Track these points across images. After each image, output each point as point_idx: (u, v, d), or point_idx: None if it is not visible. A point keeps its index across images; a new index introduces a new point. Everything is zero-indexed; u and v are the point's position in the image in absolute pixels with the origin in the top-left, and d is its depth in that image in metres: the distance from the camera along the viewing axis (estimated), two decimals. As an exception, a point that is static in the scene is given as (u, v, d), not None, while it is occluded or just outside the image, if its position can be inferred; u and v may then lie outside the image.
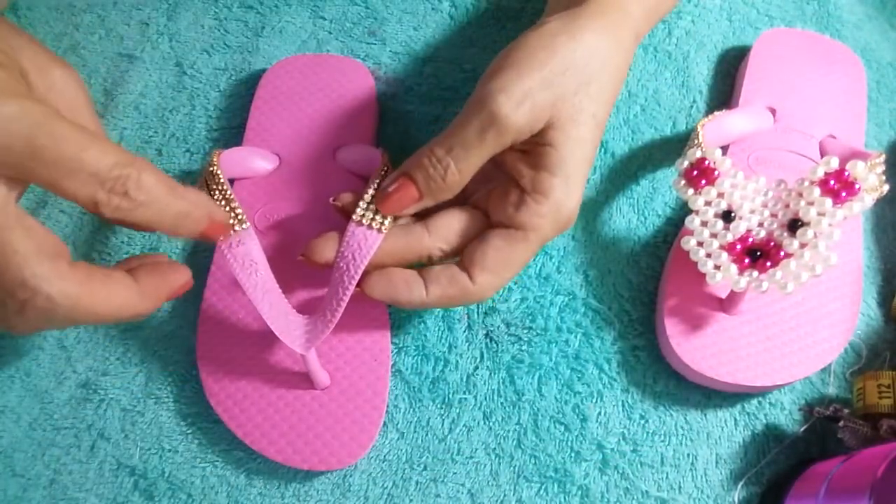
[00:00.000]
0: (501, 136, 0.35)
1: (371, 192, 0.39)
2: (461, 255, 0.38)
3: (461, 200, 0.40)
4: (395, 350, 0.42)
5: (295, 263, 0.41)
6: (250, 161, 0.45)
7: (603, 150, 0.48)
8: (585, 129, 0.37)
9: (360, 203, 0.38)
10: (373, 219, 0.38)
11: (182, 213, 0.34)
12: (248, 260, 0.38)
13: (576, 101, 0.36)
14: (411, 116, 0.49)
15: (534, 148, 0.37)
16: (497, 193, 0.38)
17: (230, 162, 0.44)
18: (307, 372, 0.39)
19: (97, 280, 0.32)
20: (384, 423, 0.40)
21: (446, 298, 0.37)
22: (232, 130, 0.49)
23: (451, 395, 0.41)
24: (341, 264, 0.37)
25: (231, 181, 0.45)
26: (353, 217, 0.38)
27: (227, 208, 0.39)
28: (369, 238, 0.37)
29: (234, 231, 0.38)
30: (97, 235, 0.46)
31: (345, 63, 0.49)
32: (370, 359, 0.40)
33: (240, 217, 0.39)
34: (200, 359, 0.41)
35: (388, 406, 0.41)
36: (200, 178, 0.41)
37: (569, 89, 0.36)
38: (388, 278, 0.38)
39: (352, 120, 0.47)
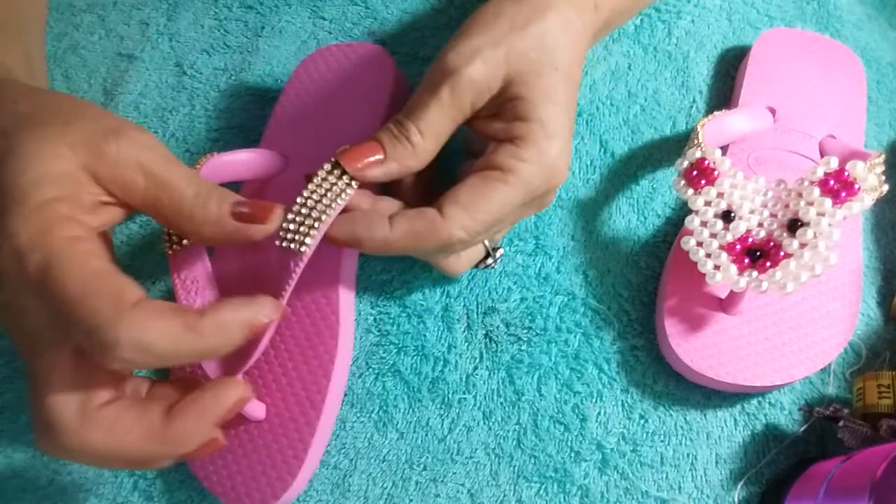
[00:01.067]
0: (456, 93, 0.35)
1: (295, 208, 0.34)
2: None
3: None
4: (395, 350, 0.42)
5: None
6: (253, 163, 0.44)
7: (603, 149, 0.48)
8: (549, 79, 0.36)
9: (283, 223, 0.34)
10: (293, 239, 0.34)
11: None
12: (189, 279, 0.36)
13: (532, 56, 0.36)
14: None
15: (502, 109, 0.36)
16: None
17: (231, 164, 0.43)
18: None
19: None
20: (384, 424, 0.40)
21: (412, 235, 0.34)
22: (232, 130, 0.49)
23: (450, 396, 0.41)
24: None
25: (239, 184, 0.44)
26: (276, 242, 0.34)
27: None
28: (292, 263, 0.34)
29: (181, 245, 0.37)
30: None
31: (365, 49, 0.47)
32: (305, 399, 0.38)
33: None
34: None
35: (387, 407, 0.41)
36: None
37: (521, 46, 0.36)
38: (350, 217, 0.35)
39: (366, 117, 0.45)
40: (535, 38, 0.36)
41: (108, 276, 0.29)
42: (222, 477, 0.37)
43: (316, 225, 0.34)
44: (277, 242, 0.34)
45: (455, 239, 0.35)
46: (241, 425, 0.38)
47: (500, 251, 0.42)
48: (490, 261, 0.42)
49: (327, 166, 0.36)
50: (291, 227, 0.34)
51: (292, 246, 0.34)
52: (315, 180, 0.35)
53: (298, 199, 0.35)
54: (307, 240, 0.34)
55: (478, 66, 0.35)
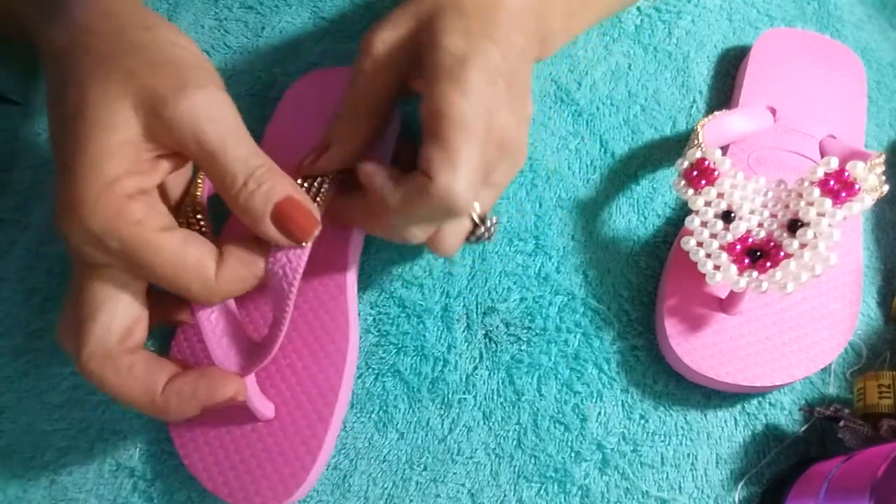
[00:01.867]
0: (366, 53, 0.36)
1: None
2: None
3: None
4: (395, 350, 0.42)
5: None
6: None
7: (603, 149, 0.48)
8: (456, 13, 0.34)
9: None
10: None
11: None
12: None
13: (436, 8, 0.35)
14: (412, 117, 0.49)
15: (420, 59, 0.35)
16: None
17: None
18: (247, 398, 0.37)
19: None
20: (384, 424, 0.40)
21: (408, 201, 0.33)
22: (231, 131, 0.49)
23: (450, 396, 0.41)
24: (277, 289, 0.35)
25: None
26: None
27: (197, 224, 0.37)
28: (293, 258, 0.35)
29: None
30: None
31: None
32: (317, 396, 0.38)
33: (206, 233, 0.36)
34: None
35: (387, 407, 0.41)
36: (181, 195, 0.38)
37: (429, 5, 0.36)
38: (357, 202, 0.38)
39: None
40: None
41: (187, 254, 0.32)
42: (228, 478, 0.37)
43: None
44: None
45: (456, 195, 0.32)
46: (248, 424, 0.38)
47: (495, 220, 0.38)
48: (482, 231, 0.38)
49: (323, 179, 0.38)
50: None
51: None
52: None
53: None
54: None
55: (387, 28, 0.36)
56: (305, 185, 0.37)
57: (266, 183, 0.33)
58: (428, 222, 0.35)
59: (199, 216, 0.37)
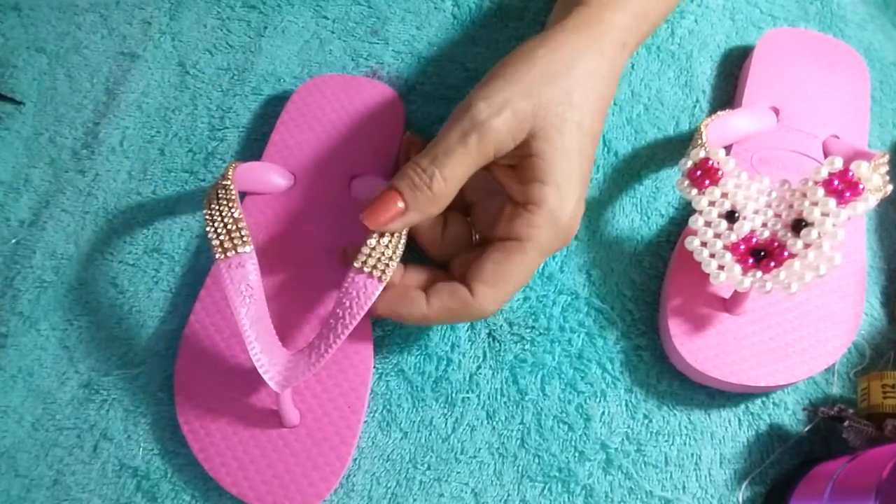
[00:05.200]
0: (483, 142, 0.36)
1: (375, 237, 0.37)
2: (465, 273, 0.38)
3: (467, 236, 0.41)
4: (398, 349, 0.42)
5: (292, 291, 0.40)
6: (265, 176, 0.44)
7: (606, 149, 0.48)
8: (570, 138, 0.37)
9: (363, 248, 0.37)
10: (374, 266, 0.37)
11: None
12: (244, 284, 0.37)
13: (559, 111, 0.37)
14: (414, 116, 0.49)
15: (521, 161, 0.37)
16: (494, 210, 0.39)
17: (245, 174, 0.43)
18: (277, 407, 0.38)
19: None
20: (387, 423, 0.40)
21: (447, 311, 0.37)
22: (234, 131, 0.49)
23: (454, 395, 0.41)
24: (338, 310, 0.36)
25: (242, 195, 0.44)
26: (354, 263, 0.37)
27: (234, 227, 0.38)
28: (369, 287, 0.36)
29: (236, 252, 0.37)
30: (99, 234, 0.46)
31: (378, 90, 0.48)
32: (344, 405, 0.39)
33: (245, 238, 0.37)
34: (178, 379, 0.40)
35: (390, 406, 0.41)
36: (211, 189, 0.39)
37: (549, 99, 0.37)
38: (390, 292, 0.38)
39: (375, 150, 0.46)
40: (563, 93, 0.37)
41: None
42: (255, 482, 0.37)
43: (394, 257, 0.37)
44: (357, 265, 0.37)
45: (488, 313, 0.38)
46: (273, 430, 0.38)
47: None
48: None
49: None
50: (373, 255, 0.37)
51: (374, 272, 0.37)
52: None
53: (374, 235, 0.37)
54: (388, 270, 0.37)
55: (507, 118, 0.36)
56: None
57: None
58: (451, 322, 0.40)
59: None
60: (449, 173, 0.36)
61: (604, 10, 0.40)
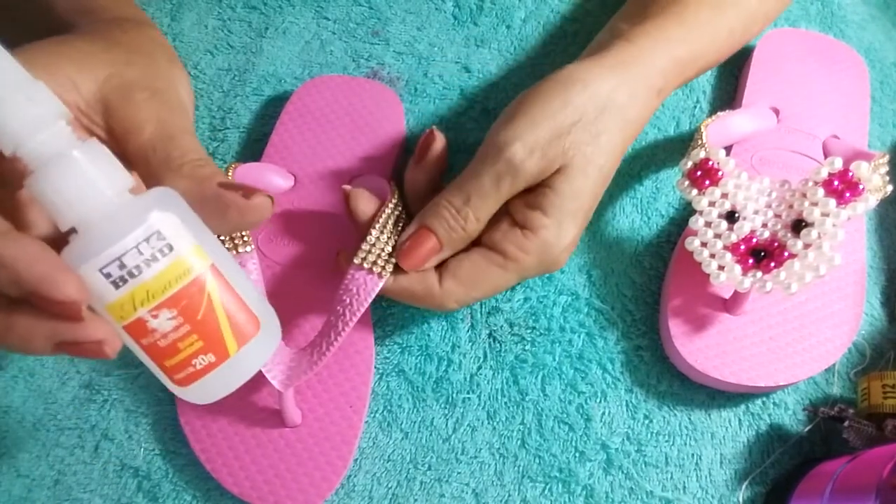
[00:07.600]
0: (516, 183, 0.36)
1: (374, 233, 0.38)
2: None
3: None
4: (399, 350, 0.42)
5: (292, 291, 0.40)
6: (266, 177, 0.44)
7: (606, 150, 0.48)
8: (590, 181, 0.37)
9: (362, 245, 0.37)
10: (374, 262, 0.37)
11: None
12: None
13: (586, 152, 0.37)
14: (414, 116, 0.49)
15: (534, 187, 0.38)
16: (492, 220, 0.39)
17: (245, 175, 0.43)
18: (280, 407, 0.38)
19: None
20: (388, 424, 0.40)
21: (408, 292, 0.38)
22: (235, 131, 0.49)
23: (454, 395, 0.41)
24: (338, 307, 0.37)
25: None
26: (354, 260, 0.37)
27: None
28: (369, 283, 0.37)
29: (237, 252, 0.37)
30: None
31: (378, 91, 0.48)
32: (346, 404, 0.39)
33: (245, 238, 0.38)
34: None
35: (391, 407, 0.41)
36: None
37: (579, 140, 0.37)
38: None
39: (375, 151, 0.46)
40: (593, 136, 0.37)
41: None
42: (256, 482, 0.37)
43: (393, 253, 0.38)
44: (357, 261, 0.37)
45: (446, 309, 0.38)
46: (275, 430, 0.38)
47: None
48: None
49: (391, 204, 0.39)
50: (373, 251, 0.37)
51: (374, 269, 0.37)
52: (381, 217, 0.38)
53: (373, 231, 0.38)
54: (388, 267, 0.38)
55: (538, 159, 0.36)
56: (395, 210, 0.39)
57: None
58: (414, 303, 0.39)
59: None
60: (483, 215, 0.37)
61: (646, 51, 0.40)
